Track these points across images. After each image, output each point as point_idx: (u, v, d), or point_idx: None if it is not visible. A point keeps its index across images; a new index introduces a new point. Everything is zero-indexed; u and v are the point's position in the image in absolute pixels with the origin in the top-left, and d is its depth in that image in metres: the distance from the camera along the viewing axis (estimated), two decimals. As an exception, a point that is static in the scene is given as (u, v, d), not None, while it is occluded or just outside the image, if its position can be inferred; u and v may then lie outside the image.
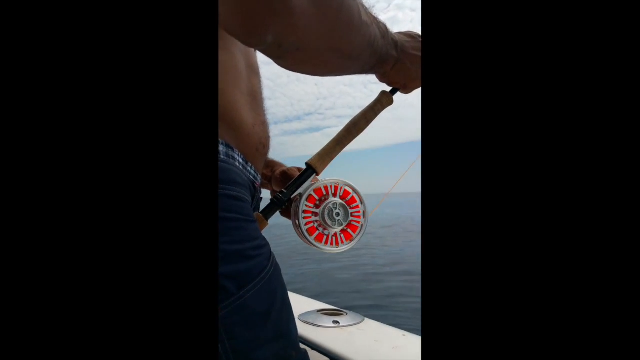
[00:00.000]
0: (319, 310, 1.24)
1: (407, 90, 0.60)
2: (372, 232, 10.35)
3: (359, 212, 0.56)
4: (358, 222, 0.56)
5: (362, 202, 0.56)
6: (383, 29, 0.50)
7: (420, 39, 0.56)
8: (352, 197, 0.56)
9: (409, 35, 0.56)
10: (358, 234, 0.56)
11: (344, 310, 1.25)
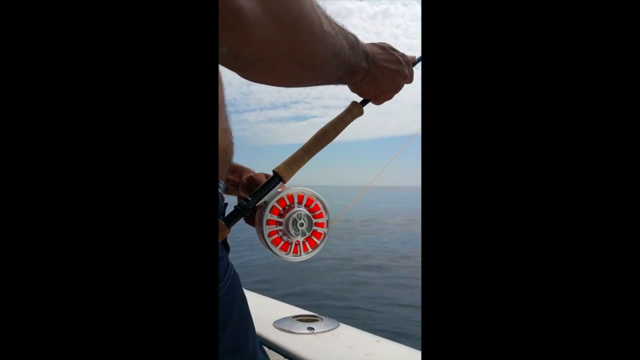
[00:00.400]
0: (294, 317, 1.23)
1: (378, 101, 0.59)
2: (346, 228, 10.39)
3: (322, 221, 0.55)
4: (322, 231, 0.56)
5: (326, 212, 0.56)
6: (352, 39, 0.50)
7: (392, 51, 0.56)
8: (316, 204, 0.55)
9: (381, 47, 0.56)
10: (321, 241, 0.56)
11: (320, 316, 1.24)
